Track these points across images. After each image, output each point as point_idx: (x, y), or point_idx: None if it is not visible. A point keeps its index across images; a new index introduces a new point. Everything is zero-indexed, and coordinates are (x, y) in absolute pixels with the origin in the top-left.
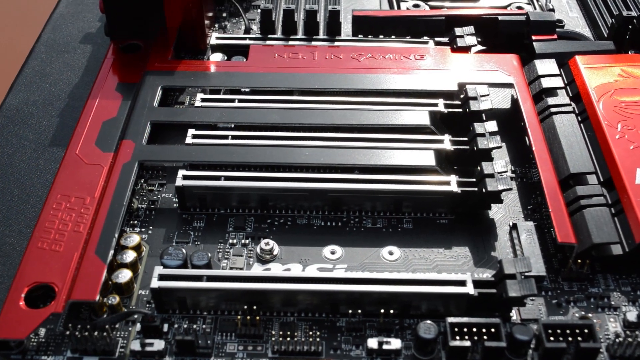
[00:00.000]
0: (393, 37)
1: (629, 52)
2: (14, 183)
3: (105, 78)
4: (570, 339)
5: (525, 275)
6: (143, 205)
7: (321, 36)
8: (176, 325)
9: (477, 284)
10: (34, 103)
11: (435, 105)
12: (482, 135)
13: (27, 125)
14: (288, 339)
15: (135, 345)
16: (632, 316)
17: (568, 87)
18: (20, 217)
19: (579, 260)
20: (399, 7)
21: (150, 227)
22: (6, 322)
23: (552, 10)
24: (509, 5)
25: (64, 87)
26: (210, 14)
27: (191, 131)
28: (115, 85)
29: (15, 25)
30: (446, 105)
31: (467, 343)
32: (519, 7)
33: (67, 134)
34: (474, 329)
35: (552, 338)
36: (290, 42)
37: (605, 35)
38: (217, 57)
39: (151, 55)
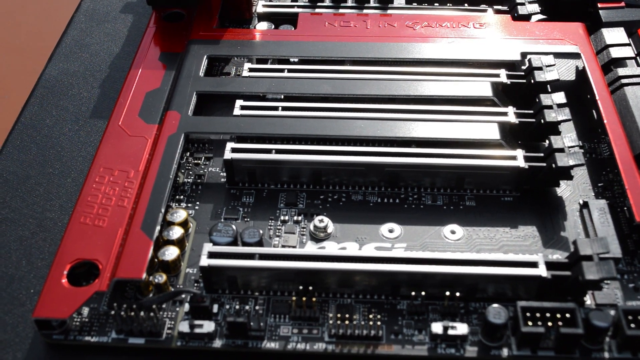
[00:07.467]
0: (449, 5)
1: None
2: (54, 156)
3: (147, 48)
4: None
5: (601, 256)
6: (189, 180)
7: (372, 4)
8: (227, 306)
9: (549, 265)
10: (74, 74)
11: (497, 75)
12: (550, 107)
13: (67, 96)
14: (346, 322)
15: (184, 327)
16: None
17: (638, 58)
18: (61, 191)
19: None
20: None
21: (197, 203)
22: (48, 301)
23: None
24: None
25: (104, 58)
26: None
27: (239, 102)
28: (158, 55)
29: None
30: (509, 76)
31: (541, 329)
32: None
33: (109, 106)
34: (547, 314)
35: (632, 325)
36: (340, 10)
37: None
38: (263, 26)
39: (195, 24)
